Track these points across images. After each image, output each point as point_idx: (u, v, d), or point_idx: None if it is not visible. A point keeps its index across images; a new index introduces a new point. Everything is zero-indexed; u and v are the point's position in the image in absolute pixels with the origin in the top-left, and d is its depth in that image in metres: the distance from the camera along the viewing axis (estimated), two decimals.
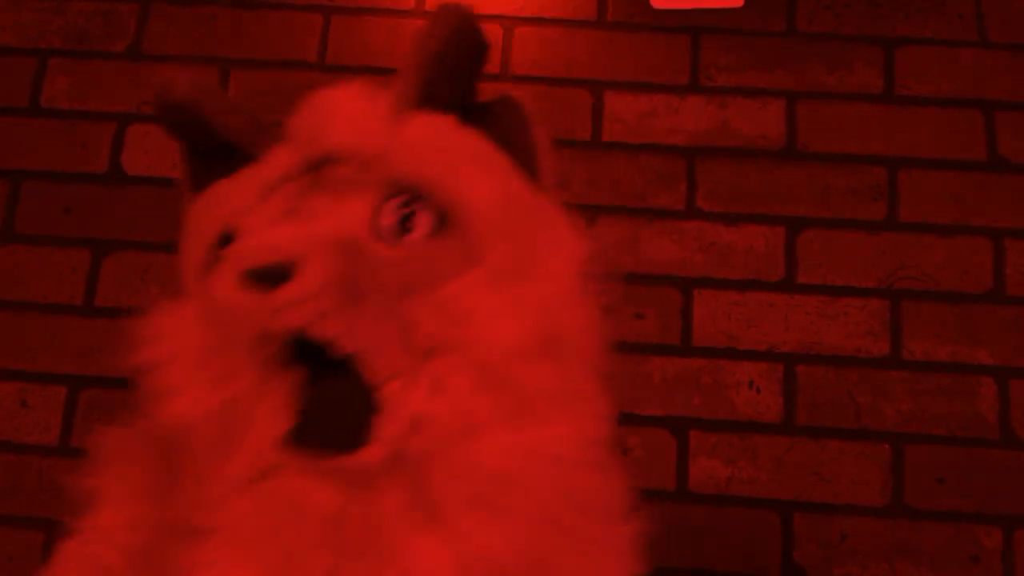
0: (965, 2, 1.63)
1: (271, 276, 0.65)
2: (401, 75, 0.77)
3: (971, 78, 1.60)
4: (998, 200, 1.55)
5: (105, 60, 1.65)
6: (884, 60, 1.61)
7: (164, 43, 1.65)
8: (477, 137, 0.78)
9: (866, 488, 1.44)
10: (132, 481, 0.80)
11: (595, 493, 0.75)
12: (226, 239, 0.73)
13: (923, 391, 1.47)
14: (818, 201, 1.56)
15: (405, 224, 0.71)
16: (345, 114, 0.75)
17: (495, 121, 0.80)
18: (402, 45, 1.64)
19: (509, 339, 0.70)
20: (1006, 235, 1.53)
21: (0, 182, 1.60)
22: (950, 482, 1.44)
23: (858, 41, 1.62)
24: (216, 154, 0.79)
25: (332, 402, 0.68)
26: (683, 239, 1.55)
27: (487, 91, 0.83)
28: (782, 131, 1.59)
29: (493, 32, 1.64)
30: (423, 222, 0.72)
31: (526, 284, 0.73)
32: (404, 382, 0.68)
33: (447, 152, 0.75)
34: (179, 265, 0.80)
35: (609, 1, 1.66)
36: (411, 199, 0.72)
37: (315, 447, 0.67)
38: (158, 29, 1.66)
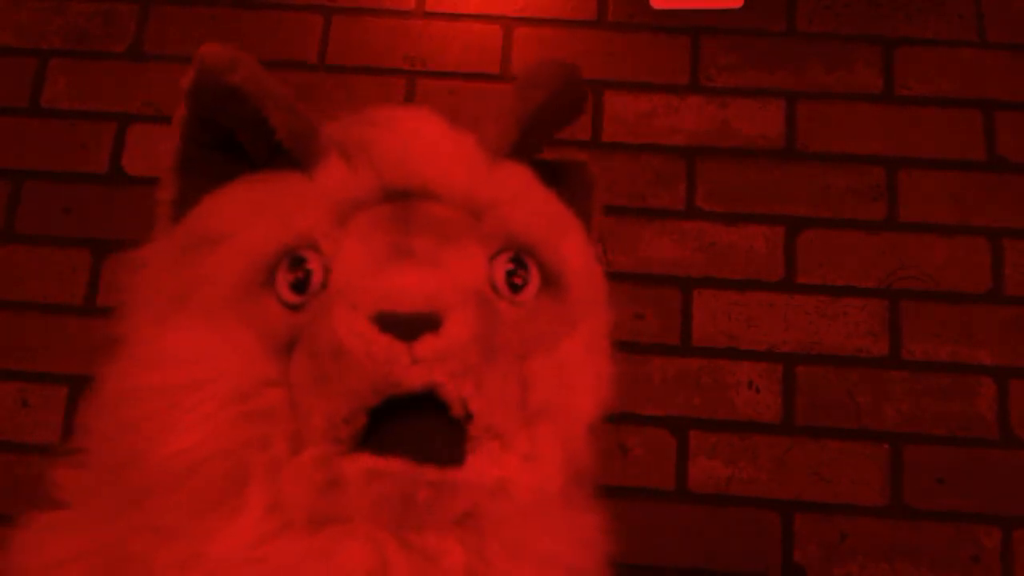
0: (965, 2, 1.63)
1: (415, 325, 0.60)
2: (494, 117, 0.72)
3: (971, 78, 1.60)
4: (998, 200, 1.55)
5: (105, 60, 1.65)
6: (884, 60, 1.61)
7: (164, 43, 1.65)
8: (558, 198, 0.75)
9: (866, 488, 1.44)
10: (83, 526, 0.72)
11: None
12: (294, 260, 0.65)
13: (923, 391, 1.47)
14: (818, 201, 1.56)
15: (513, 280, 0.68)
16: (436, 148, 0.70)
17: (561, 180, 0.77)
18: (402, 45, 1.64)
19: (593, 412, 0.69)
20: (1006, 235, 1.53)
21: (0, 182, 1.60)
22: (950, 482, 1.44)
23: (858, 41, 1.62)
24: (228, 145, 0.71)
25: (426, 432, 0.62)
26: (683, 239, 1.55)
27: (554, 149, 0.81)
28: (782, 131, 1.59)
29: (493, 32, 1.64)
30: (534, 280, 0.68)
31: (604, 358, 0.72)
32: (503, 444, 0.64)
33: (547, 211, 0.72)
34: (183, 271, 0.69)
35: (609, 1, 1.66)
36: (520, 255, 0.68)
37: (405, 456, 0.61)
38: (158, 29, 1.66)
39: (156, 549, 0.63)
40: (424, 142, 0.70)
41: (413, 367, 0.60)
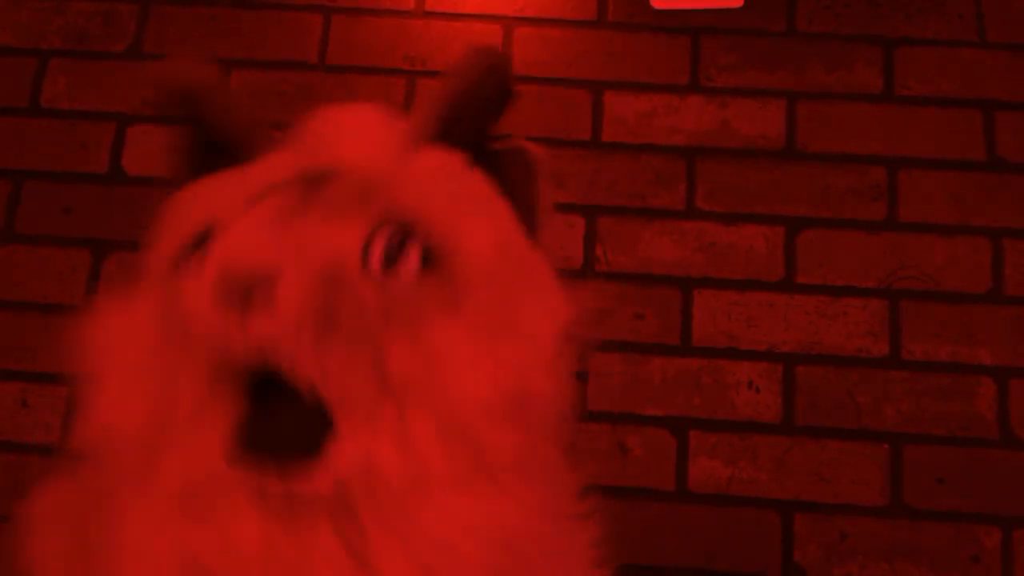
0: (965, 2, 1.63)
1: (243, 288, 0.61)
2: (421, 107, 0.75)
3: (971, 78, 1.60)
4: (998, 200, 1.55)
5: (105, 60, 1.65)
6: (884, 60, 1.61)
7: (164, 43, 1.65)
8: (483, 181, 0.76)
9: (866, 488, 1.44)
10: (61, 546, 0.75)
11: (546, 569, 0.71)
12: (203, 238, 0.68)
13: (923, 391, 1.47)
14: (818, 201, 1.56)
15: (393, 257, 0.67)
16: (354, 133, 0.73)
17: (505, 169, 0.79)
18: (402, 45, 1.64)
19: (479, 395, 0.67)
20: (1006, 235, 1.53)
21: (0, 182, 1.60)
22: (950, 482, 1.44)
23: (858, 41, 1.62)
24: (214, 149, 0.77)
25: (284, 424, 0.64)
26: (683, 239, 1.55)
27: (503, 137, 0.83)
28: (782, 131, 1.59)
29: (493, 32, 1.64)
30: (412, 257, 0.68)
31: (505, 341, 0.70)
32: (365, 420, 0.64)
33: (450, 191, 0.73)
34: (145, 258, 0.75)
35: (609, 1, 1.66)
36: (404, 232, 0.68)
37: (262, 458, 0.63)
38: (158, 29, 1.66)
39: (104, 515, 0.67)
40: (344, 130, 0.73)
41: (239, 337, 0.61)
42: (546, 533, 0.70)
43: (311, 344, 0.62)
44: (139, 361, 0.68)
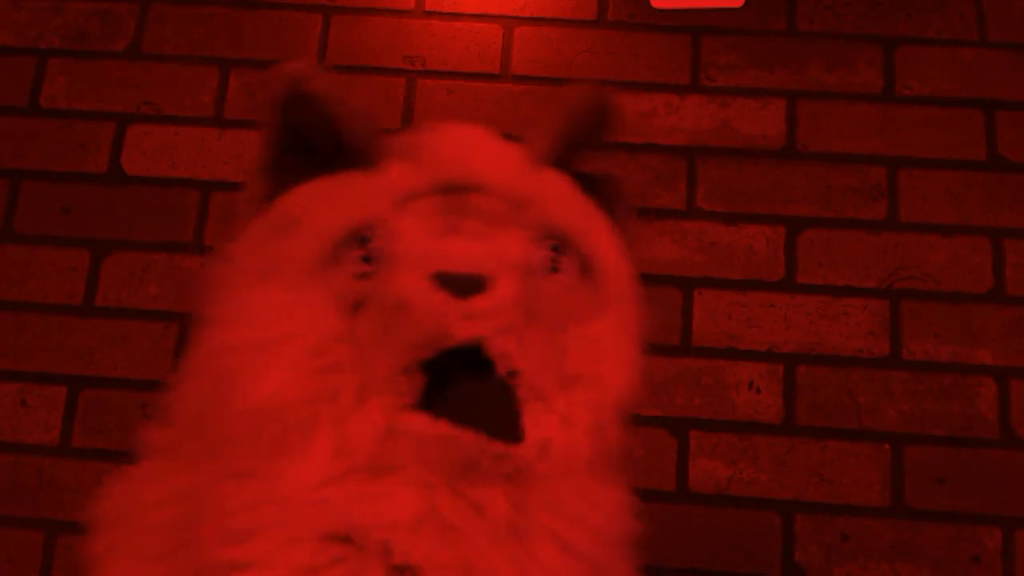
0: (965, 2, 1.63)
1: (467, 285, 0.69)
2: (542, 131, 0.84)
3: (971, 78, 1.60)
4: (998, 200, 1.55)
5: (105, 60, 1.65)
6: (884, 60, 1.61)
7: (164, 43, 1.65)
8: (592, 204, 0.85)
9: (866, 488, 1.44)
10: (149, 537, 0.78)
11: (629, 560, 0.80)
12: (360, 237, 0.75)
13: (923, 391, 1.47)
14: (818, 201, 1.56)
15: (555, 265, 0.77)
16: (486, 149, 0.81)
17: (603, 193, 0.87)
18: (402, 45, 1.64)
19: (619, 392, 0.77)
20: (1006, 235, 1.53)
21: (0, 182, 1.60)
22: (950, 482, 1.44)
23: (858, 41, 1.62)
24: (303, 151, 0.81)
25: (483, 401, 0.71)
26: (683, 239, 1.55)
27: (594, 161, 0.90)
28: (782, 131, 1.59)
29: (493, 32, 1.64)
30: (572, 264, 0.78)
31: (634, 346, 0.80)
32: (545, 405, 0.72)
33: (582, 209, 0.82)
34: (266, 247, 0.79)
35: (609, 1, 1.66)
36: (559, 243, 0.78)
37: (467, 427, 0.69)
38: (158, 29, 1.66)
39: (232, 492, 0.71)
40: (475, 144, 0.81)
41: (464, 321, 0.68)
42: (629, 524, 0.80)
43: (517, 326, 0.70)
44: (311, 340, 0.73)
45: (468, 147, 0.81)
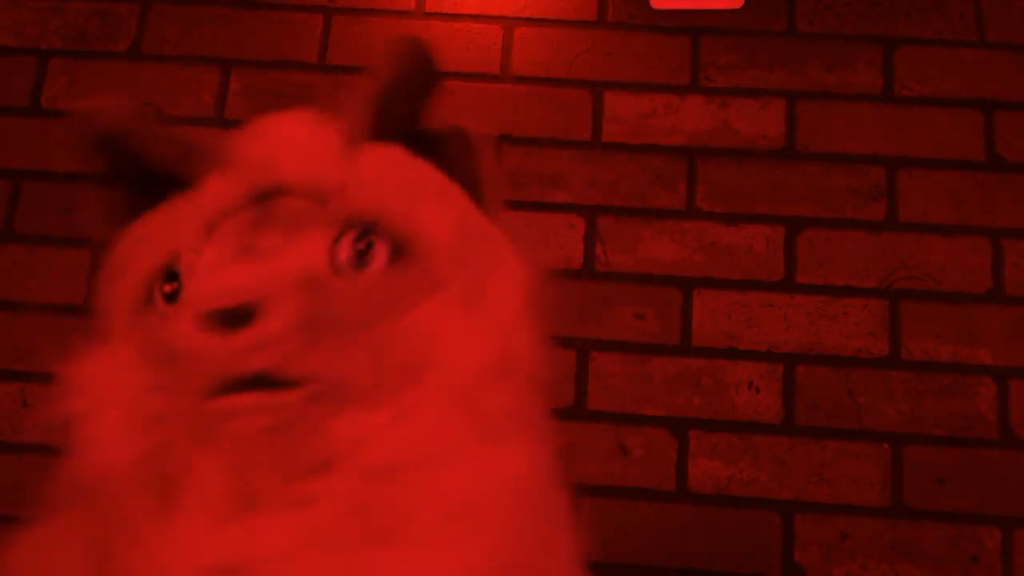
0: (965, 2, 1.63)
1: (235, 318, 0.64)
2: (352, 106, 0.77)
3: (971, 78, 1.60)
4: (998, 200, 1.55)
5: (105, 60, 1.65)
6: (884, 60, 1.61)
7: (164, 43, 1.65)
8: (429, 167, 0.78)
9: (866, 488, 1.44)
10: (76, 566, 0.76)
11: (551, 510, 0.75)
12: (169, 274, 0.71)
13: (923, 391, 1.47)
14: (818, 201, 1.56)
15: (363, 257, 0.71)
16: (294, 145, 0.75)
17: (445, 150, 0.81)
18: None
19: (473, 362, 0.71)
20: (1006, 235, 1.53)
21: (0, 182, 1.60)
22: (950, 482, 1.44)
23: (858, 41, 1.62)
24: (141, 185, 0.77)
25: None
26: (683, 239, 1.55)
27: (437, 118, 0.84)
28: (782, 131, 1.59)
29: (493, 32, 1.64)
30: (380, 254, 0.72)
31: (483, 309, 0.74)
32: (370, 405, 0.68)
33: (402, 184, 0.76)
34: (102, 303, 0.76)
35: (609, 1, 1.66)
36: (367, 232, 0.72)
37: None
38: (158, 29, 1.66)
39: (123, 557, 0.68)
40: (281, 142, 0.76)
41: (236, 358, 0.64)
42: (542, 479, 0.74)
43: (302, 347, 0.66)
44: (125, 401, 0.70)
45: (275, 146, 0.75)
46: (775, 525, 1.44)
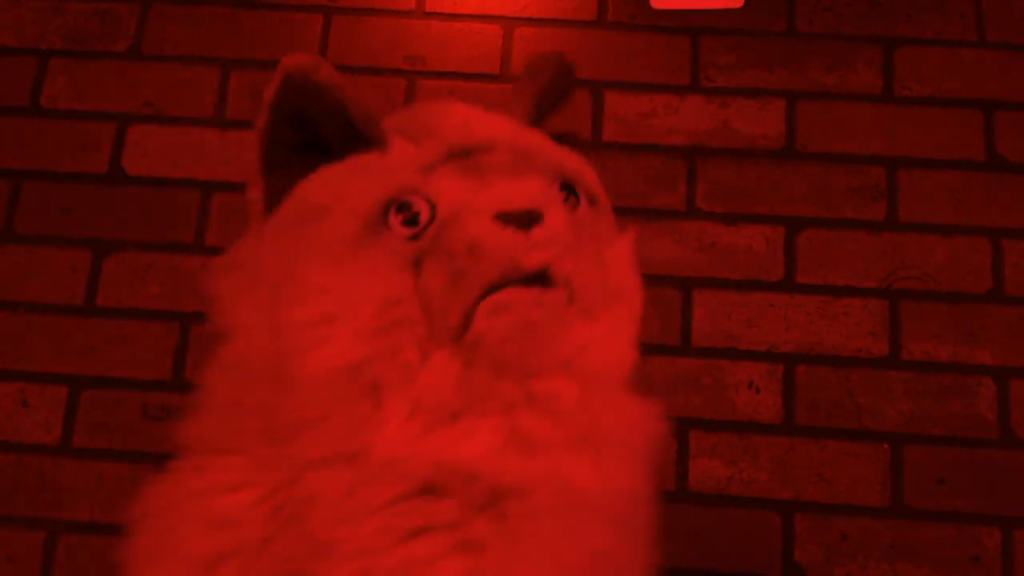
0: (965, 2, 1.63)
1: (527, 219, 0.76)
2: (513, 95, 0.93)
3: (971, 78, 1.60)
4: (998, 200, 1.55)
5: (105, 60, 1.65)
6: (884, 60, 1.61)
7: (164, 43, 1.65)
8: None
9: (866, 488, 1.44)
10: (183, 544, 0.79)
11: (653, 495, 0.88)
12: (401, 205, 0.79)
13: (923, 391, 1.47)
14: (818, 201, 1.56)
15: (570, 200, 0.85)
16: (482, 116, 0.88)
17: (568, 145, 0.93)
18: (402, 45, 1.64)
19: (640, 309, 0.87)
20: (1006, 235, 1.53)
21: (0, 182, 1.60)
22: (950, 482, 1.44)
23: (858, 41, 1.62)
24: (303, 146, 0.85)
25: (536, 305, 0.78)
26: (683, 239, 1.55)
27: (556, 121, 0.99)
28: (782, 131, 1.59)
29: (493, 32, 1.64)
30: (583, 200, 0.86)
31: (631, 259, 0.89)
32: (595, 318, 0.80)
33: (574, 155, 0.90)
34: (295, 235, 0.81)
35: (609, 1, 1.66)
36: (568, 184, 0.85)
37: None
38: (158, 29, 1.66)
39: (326, 478, 0.74)
40: (469, 112, 0.88)
41: (532, 250, 0.76)
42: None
43: (569, 251, 0.78)
44: (360, 311, 0.77)
45: (465, 115, 0.86)
46: (775, 525, 1.44)
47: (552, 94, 0.95)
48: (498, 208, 0.76)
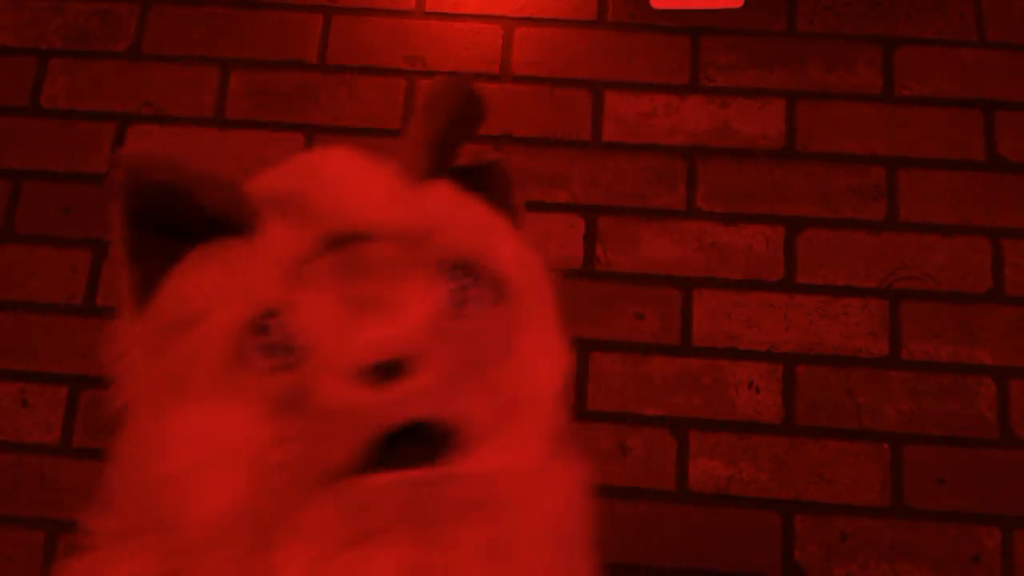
0: (965, 2, 1.63)
1: (389, 372, 0.67)
2: (408, 145, 0.78)
3: (971, 78, 1.60)
4: (998, 200, 1.55)
5: (105, 60, 1.65)
6: (884, 60, 1.61)
7: (164, 43, 1.65)
8: (481, 201, 0.81)
9: (866, 488, 1.44)
10: None
11: (589, 521, 0.80)
12: (259, 328, 0.71)
13: (923, 391, 1.47)
14: (818, 201, 1.56)
15: (464, 298, 0.74)
16: (362, 187, 0.76)
17: (486, 184, 0.83)
18: (402, 45, 1.64)
19: (553, 388, 0.76)
20: (1006, 235, 1.53)
21: (0, 182, 1.60)
22: (950, 482, 1.44)
23: (858, 41, 1.62)
24: (166, 231, 0.76)
25: (426, 448, 0.70)
26: (683, 239, 1.55)
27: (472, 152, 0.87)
28: (782, 131, 1.59)
29: (493, 32, 1.64)
30: (485, 293, 0.75)
31: (546, 334, 0.78)
32: (495, 439, 0.71)
33: (475, 222, 0.78)
34: (179, 357, 0.74)
35: (609, 1, 1.66)
36: (464, 273, 0.74)
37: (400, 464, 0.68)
38: (158, 29, 1.66)
39: None
40: (350, 184, 0.76)
41: (395, 409, 0.67)
42: (586, 490, 0.80)
43: (449, 391, 0.69)
44: (248, 452, 0.70)
45: (343, 187, 0.75)
46: (775, 525, 1.44)
47: (458, 128, 0.81)
48: (357, 361, 0.67)
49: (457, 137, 0.81)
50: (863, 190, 1.56)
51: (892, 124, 1.58)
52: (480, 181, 0.83)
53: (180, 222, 0.75)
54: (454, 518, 0.69)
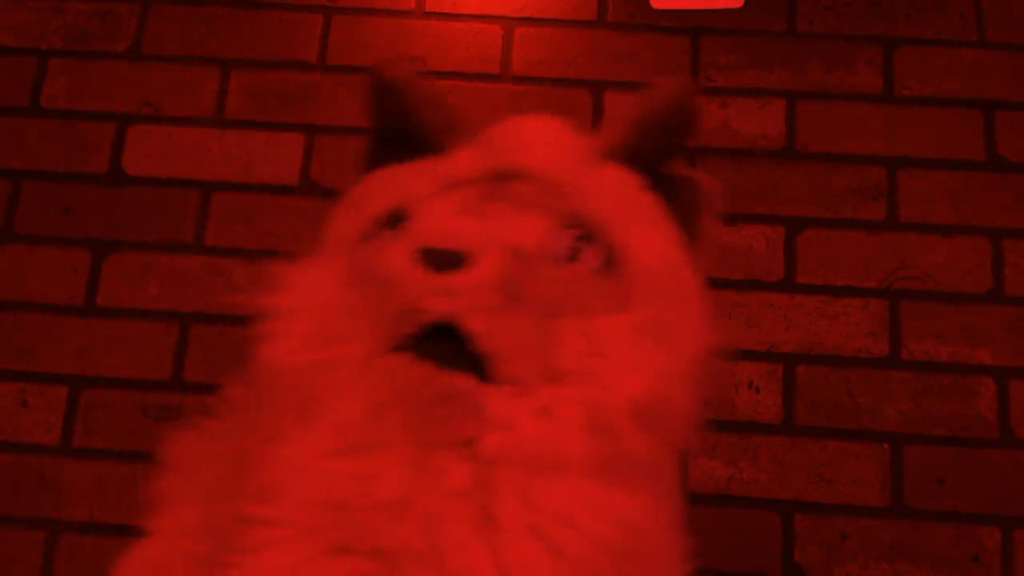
0: (965, 2, 1.63)
1: (446, 260, 0.68)
2: (611, 126, 0.84)
3: (971, 78, 1.60)
4: (998, 200, 1.55)
5: (105, 60, 1.65)
6: (884, 60, 1.61)
7: (164, 43, 1.65)
8: (656, 202, 0.83)
9: (866, 488, 1.44)
10: (200, 485, 0.80)
11: (645, 571, 0.76)
12: (396, 217, 0.77)
13: (923, 391, 1.47)
14: (818, 201, 1.56)
15: (576, 254, 0.76)
16: (545, 140, 0.82)
17: (677, 195, 0.85)
18: (402, 45, 1.64)
19: (629, 393, 0.72)
20: (1006, 235, 1.53)
21: (0, 182, 1.60)
22: (950, 482, 1.44)
23: (858, 41, 1.62)
24: (401, 140, 0.85)
25: (451, 351, 0.70)
26: None
27: (678, 163, 0.89)
28: (782, 131, 1.59)
29: (493, 32, 1.64)
30: (590, 257, 0.76)
31: (659, 349, 0.76)
32: (520, 390, 0.70)
33: (628, 205, 0.81)
34: (331, 226, 0.83)
35: (609, 1, 1.66)
36: (584, 234, 0.76)
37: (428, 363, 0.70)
38: (158, 29, 1.66)
39: (261, 456, 0.73)
40: (533, 134, 0.83)
41: (435, 296, 0.68)
42: (655, 536, 0.77)
43: (493, 307, 0.69)
44: (321, 311, 0.76)
45: (525, 136, 0.82)
46: (775, 525, 1.44)
47: (666, 130, 0.84)
48: (424, 242, 0.70)
49: (664, 138, 0.85)
50: (863, 190, 1.56)
51: (892, 124, 1.58)
52: (677, 193, 0.86)
53: (407, 132, 0.85)
54: (445, 440, 0.70)
